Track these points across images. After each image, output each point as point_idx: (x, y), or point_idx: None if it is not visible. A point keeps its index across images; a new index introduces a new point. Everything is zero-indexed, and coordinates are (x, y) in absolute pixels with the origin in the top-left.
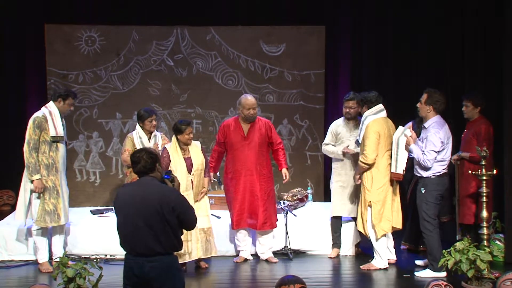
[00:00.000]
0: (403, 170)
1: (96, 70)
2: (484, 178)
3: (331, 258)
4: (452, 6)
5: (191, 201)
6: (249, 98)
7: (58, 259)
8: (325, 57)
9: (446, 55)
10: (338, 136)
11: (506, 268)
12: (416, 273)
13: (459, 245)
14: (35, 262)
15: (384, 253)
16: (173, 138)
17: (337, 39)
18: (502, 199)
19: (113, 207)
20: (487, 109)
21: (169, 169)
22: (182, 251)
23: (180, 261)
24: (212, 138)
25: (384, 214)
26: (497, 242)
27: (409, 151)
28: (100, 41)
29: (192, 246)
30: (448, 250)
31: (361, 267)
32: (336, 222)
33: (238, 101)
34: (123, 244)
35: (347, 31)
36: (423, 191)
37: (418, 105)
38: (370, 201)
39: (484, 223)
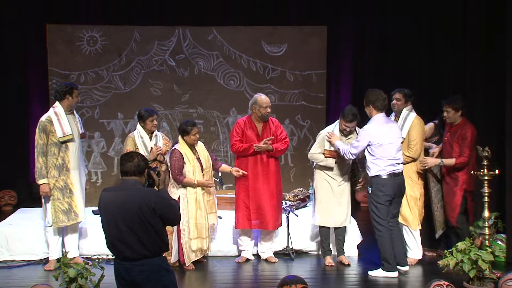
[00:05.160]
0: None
1: (98, 70)
2: (486, 178)
3: (328, 266)
4: (453, 7)
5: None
6: (264, 97)
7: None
8: (327, 57)
9: (447, 55)
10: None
11: (507, 268)
12: (369, 272)
13: (460, 245)
14: (36, 262)
15: None
16: (180, 139)
17: (338, 39)
18: (504, 199)
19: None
20: (488, 109)
21: (182, 169)
22: (204, 248)
23: (193, 257)
24: (214, 138)
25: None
26: (499, 242)
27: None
28: (102, 41)
29: (208, 244)
30: (450, 250)
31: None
32: (325, 230)
33: (252, 101)
34: (109, 248)
35: (349, 31)
36: (369, 191)
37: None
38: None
39: (486, 223)
